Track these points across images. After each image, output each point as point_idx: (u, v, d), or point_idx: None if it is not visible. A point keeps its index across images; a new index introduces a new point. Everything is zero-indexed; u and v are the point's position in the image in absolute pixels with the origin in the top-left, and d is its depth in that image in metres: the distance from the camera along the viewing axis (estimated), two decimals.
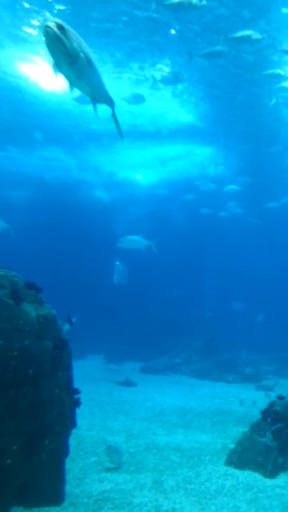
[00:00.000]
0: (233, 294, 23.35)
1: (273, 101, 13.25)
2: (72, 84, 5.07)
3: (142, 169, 21.97)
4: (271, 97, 13.88)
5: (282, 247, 23.83)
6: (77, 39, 4.58)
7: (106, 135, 17.83)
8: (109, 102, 5.71)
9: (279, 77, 12.55)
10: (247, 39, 10.37)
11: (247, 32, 10.30)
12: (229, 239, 24.32)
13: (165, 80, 13.01)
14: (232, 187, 20.46)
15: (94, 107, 5.64)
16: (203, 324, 21.26)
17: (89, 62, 4.76)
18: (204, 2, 8.94)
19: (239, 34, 10.35)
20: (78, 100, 13.56)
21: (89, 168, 20.99)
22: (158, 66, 12.98)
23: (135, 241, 14.87)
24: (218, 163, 20.99)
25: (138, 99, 14.07)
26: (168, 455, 7.36)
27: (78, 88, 5.17)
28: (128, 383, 14.09)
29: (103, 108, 5.70)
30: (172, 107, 15.70)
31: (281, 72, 12.28)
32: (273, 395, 9.19)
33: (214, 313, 22.31)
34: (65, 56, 4.52)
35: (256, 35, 10.21)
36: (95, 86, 5.23)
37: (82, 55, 4.61)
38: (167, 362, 17.83)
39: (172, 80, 12.85)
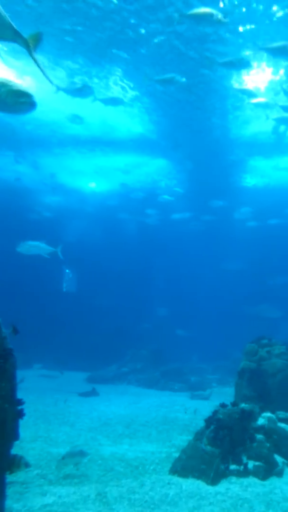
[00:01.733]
0: (171, 305, 23.77)
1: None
2: None
3: (89, 177, 21.79)
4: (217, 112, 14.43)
5: (224, 258, 24.74)
6: None
7: (48, 139, 17.42)
8: (19, 40, 4.38)
9: (250, 94, 12.96)
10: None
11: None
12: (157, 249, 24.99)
13: (162, 82, 12.88)
14: (165, 197, 21.18)
15: None
16: (148, 334, 21.47)
17: None
18: (228, 19, 8.88)
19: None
20: (66, 91, 12.56)
21: (28, 164, 20.07)
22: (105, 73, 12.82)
23: (36, 246, 14.33)
24: (171, 177, 21.32)
25: (115, 101, 13.84)
26: (113, 466, 7.33)
27: None
28: (92, 393, 13.98)
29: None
30: (122, 116, 15.55)
31: (252, 90, 12.71)
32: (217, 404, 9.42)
33: (152, 324, 22.57)
34: None
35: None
36: None
37: None
38: (115, 371, 17.78)
39: (169, 81, 12.73)
